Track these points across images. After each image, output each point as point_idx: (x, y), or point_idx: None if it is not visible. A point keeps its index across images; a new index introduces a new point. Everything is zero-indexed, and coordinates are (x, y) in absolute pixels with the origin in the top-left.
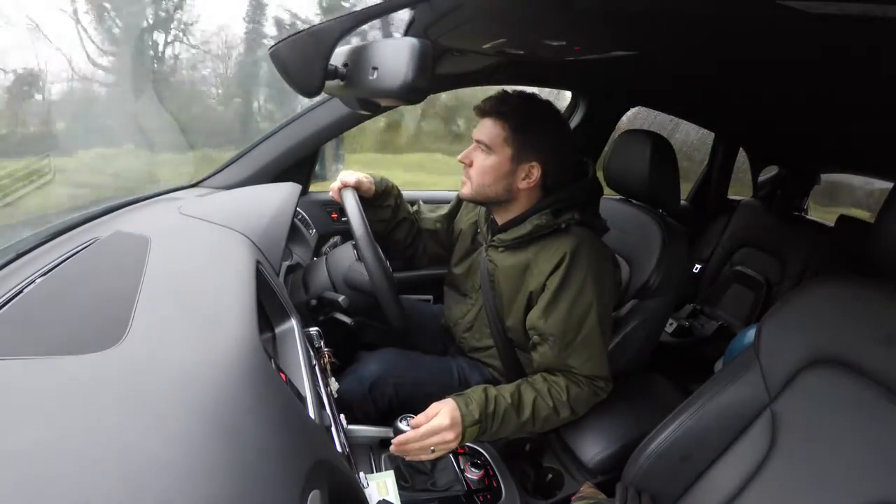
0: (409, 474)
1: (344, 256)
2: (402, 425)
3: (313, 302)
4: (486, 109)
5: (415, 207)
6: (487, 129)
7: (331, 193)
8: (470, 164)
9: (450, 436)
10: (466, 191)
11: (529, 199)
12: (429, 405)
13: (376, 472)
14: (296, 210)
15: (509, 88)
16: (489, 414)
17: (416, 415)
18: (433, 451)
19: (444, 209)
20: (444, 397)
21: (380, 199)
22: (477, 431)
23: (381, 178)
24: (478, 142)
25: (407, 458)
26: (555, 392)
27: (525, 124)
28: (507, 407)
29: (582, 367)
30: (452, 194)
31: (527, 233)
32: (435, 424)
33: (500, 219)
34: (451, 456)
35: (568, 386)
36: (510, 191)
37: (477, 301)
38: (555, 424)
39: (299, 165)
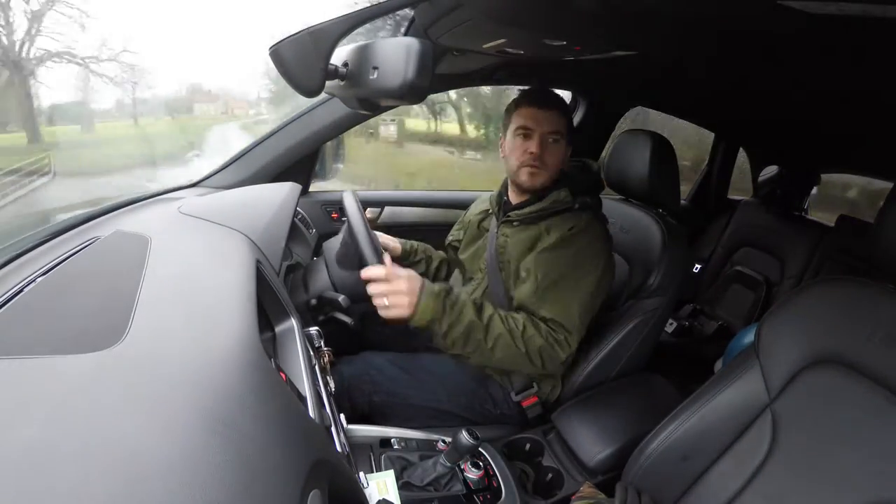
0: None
1: (335, 244)
2: (462, 435)
3: (313, 302)
4: (552, 103)
5: (450, 238)
6: (557, 120)
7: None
8: (544, 154)
9: (403, 287)
10: (542, 179)
11: (547, 180)
12: (412, 406)
13: (376, 472)
14: (296, 210)
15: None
16: (450, 301)
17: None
18: (386, 304)
19: (458, 223)
20: (428, 398)
21: (409, 257)
22: (431, 311)
23: (405, 241)
24: (551, 133)
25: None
26: (512, 322)
27: (565, 112)
28: (466, 301)
29: (547, 312)
30: (463, 194)
31: (545, 207)
32: (395, 276)
33: (517, 198)
34: None
35: (525, 324)
36: (559, 171)
37: (483, 281)
38: (508, 356)
39: (299, 165)
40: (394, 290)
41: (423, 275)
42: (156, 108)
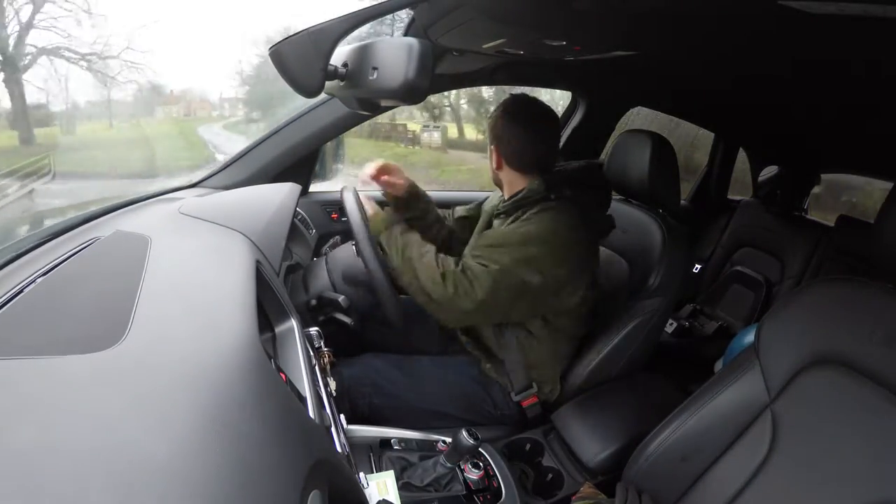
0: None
1: (343, 256)
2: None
3: (313, 302)
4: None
5: (449, 211)
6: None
7: (361, 180)
8: None
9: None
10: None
11: (511, 178)
12: (412, 407)
13: (376, 472)
14: (296, 210)
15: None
16: (398, 229)
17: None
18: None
19: (477, 203)
20: (428, 399)
21: (413, 202)
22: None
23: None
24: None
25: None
26: (443, 256)
27: (491, 119)
28: (413, 238)
29: (469, 259)
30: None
31: (521, 197)
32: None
33: (505, 196)
34: None
35: (450, 261)
36: (493, 171)
37: None
38: (421, 272)
39: (299, 165)
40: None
41: (415, 219)
42: (119, 111)
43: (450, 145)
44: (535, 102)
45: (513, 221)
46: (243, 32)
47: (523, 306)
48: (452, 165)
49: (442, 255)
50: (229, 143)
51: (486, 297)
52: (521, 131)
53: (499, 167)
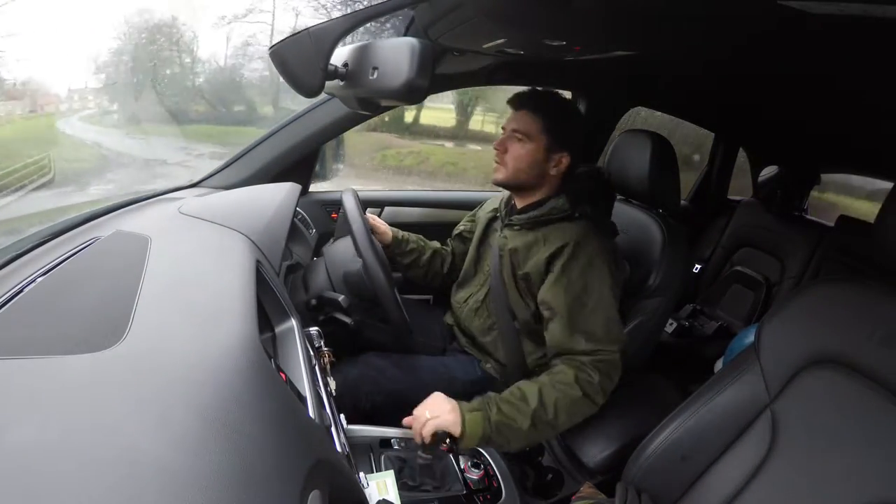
0: (415, 475)
1: (340, 250)
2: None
3: (313, 302)
4: (523, 103)
5: (461, 228)
6: (525, 120)
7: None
8: (504, 152)
9: (446, 406)
10: (501, 175)
11: (552, 187)
12: (412, 407)
13: (376, 472)
14: (296, 210)
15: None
16: (492, 403)
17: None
18: (430, 422)
19: (470, 214)
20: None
21: (401, 245)
22: (481, 419)
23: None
24: (514, 131)
25: (418, 441)
26: (559, 378)
27: (560, 117)
28: (508, 397)
29: (584, 344)
30: (481, 195)
31: (543, 214)
32: (430, 400)
33: (521, 202)
34: (450, 456)
35: (570, 370)
36: (542, 177)
37: (486, 282)
38: (574, 411)
39: (299, 165)
40: (430, 408)
41: (413, 263)
42: None
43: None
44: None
45: (534, 241)
46: (95, 14)
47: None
48: (393, 149)
49: (559, 380)
50: (106, 138)
51: (618, 338)
52: (579, 137)
53: (557, 174)
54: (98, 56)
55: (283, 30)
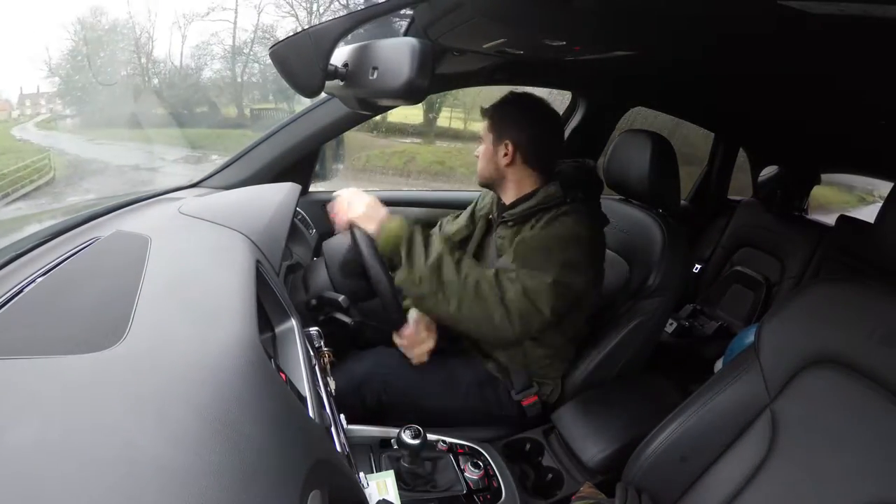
0: (410, 478)
1: (339, 247)
2: (404, 435)
3: (313, 302)
4: (484, 112)
5: (434, 230)
6: (486, 124)
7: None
8: (478, 156)
9: (367, 199)
10: (477, 178)
11: (522, 177)
12: (417, 405)
13: (376, 472)
14: (296, 210)
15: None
16: (417, 229)
17: (419, 427)
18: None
19: (466, 212)
20: (433, 398)
21: None
22: (397, 229)
23: None
24: (482, 136)
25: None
26: (484, 269)
27: (499, 112)
28: (434, 239)
29: (523, 278)
30: (465, 194)
31: (536, 203)
32: (367, 201)
33: (506, 198)
34: (450, 456)
35: (498, 273)
36: (498, 169)
37: None
38: (476, 300)
39: (299, 165)
40: (356, 200)
41: None
42: None
43: (382, 130)
44: (545, 101)
45: (530, 228)
46: (45, 15)
47: (575, 313)
48: (376, 149)
49: (486, 273)
50: (69, 145)
51: (551, 313)
52: (544, 130)
53: (510, 164)
54: (51, 59)
55: (246, 27)
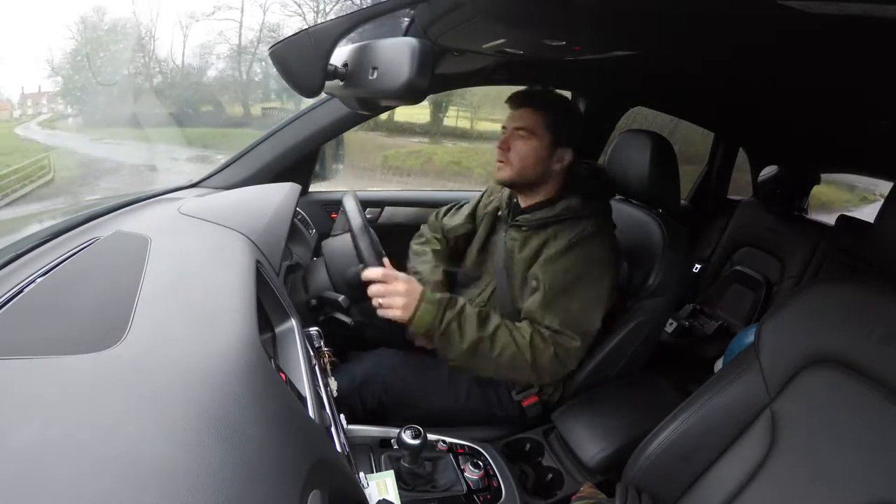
0: (410, 478)
1: (339, 247)
2: (405, 435)
3: (313, 302)
4: (524, 101)
5: (431, 218)
6: (527, 116)
7: None
8: (508, 150)
9: (401, 289)
10: (506, 174)
11: (555, 185)
12: (417, 406)
13: (376, 472)
14: (296, 210)
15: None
16: (452, 311)
17: (420, 427)
18: (381, 305)
19: (467, 209)
20: (433, 398)
21: None
22: (431, 316)
23: None
24: (518, 129)
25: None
26: (518, 335)
27: (562, 113)
28: (471, 313)
29: (552, 321)
30: (465, 194)
31: (556, 214)
32: (393, 277)
33: (526, 201)
34: (450, 456)
35: (532, 335)
36: (545, 173)
37: (491, 282)
38: (513, 366)
39: (299, 165)
40: (390, 290)
41: None
42: None
43: (389, 130)
44: None
45: (545, 240)
46: (48, 13)
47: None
48: (393, 149)
49: (518, 337)
50: (74, 143)
51: (585, 335)
52: (579, 134)
53: (562, 170)
54: (53, 58)
55: (252, 26)
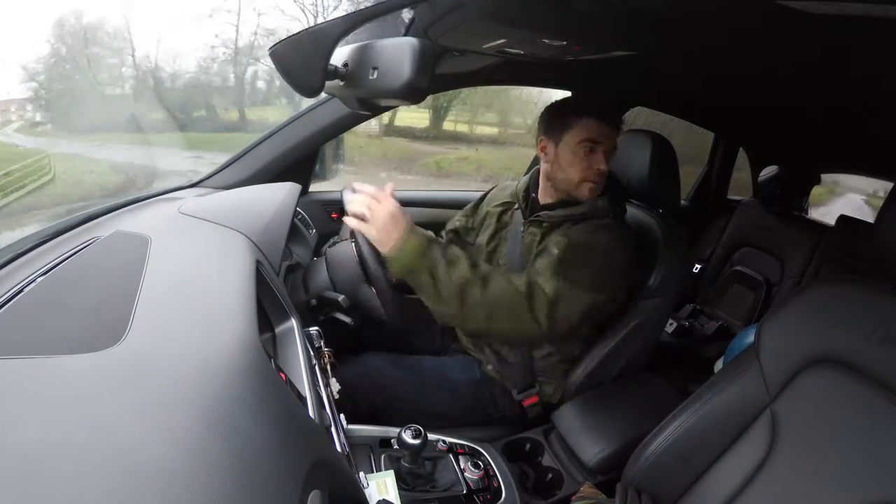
0: (410, 478)
1: (343, 254)
2: (405, 435)
3: (313, 302)
4: (617, 119)
5: (456, 224)
6: (616, 136)
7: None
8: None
9: (387, 213)
10: (599, 192)
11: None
12: (410, 408)
13: (376, 472)
14: (296, 210)
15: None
16: (437, 243)
17: (420, 427)
18: (360, 216)
19: (469, 206)
20: (426, 399)
21: None
22: (414, 246)
23: None
24: (613, 148)
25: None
26: (514, 279)
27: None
28: (459, 253)
29: (551, 290)
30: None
31: (582, 212)
32: (386, 197)
33: (547, 198)
34: (450, 456)
35: (530, 283)
36: (560, 170)
37: None
38: (506, 312)
39: (299, 165)
40: (377, 208)
41: None
42: None
43: (384, 132)
44: None
45: (563, 234)
46: (25, 16)
47: (586, 324)
48: (438, 155)
49: (514, 281)
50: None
51: (567, 323)
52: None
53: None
54: (28, 63)
55: (246, 32)
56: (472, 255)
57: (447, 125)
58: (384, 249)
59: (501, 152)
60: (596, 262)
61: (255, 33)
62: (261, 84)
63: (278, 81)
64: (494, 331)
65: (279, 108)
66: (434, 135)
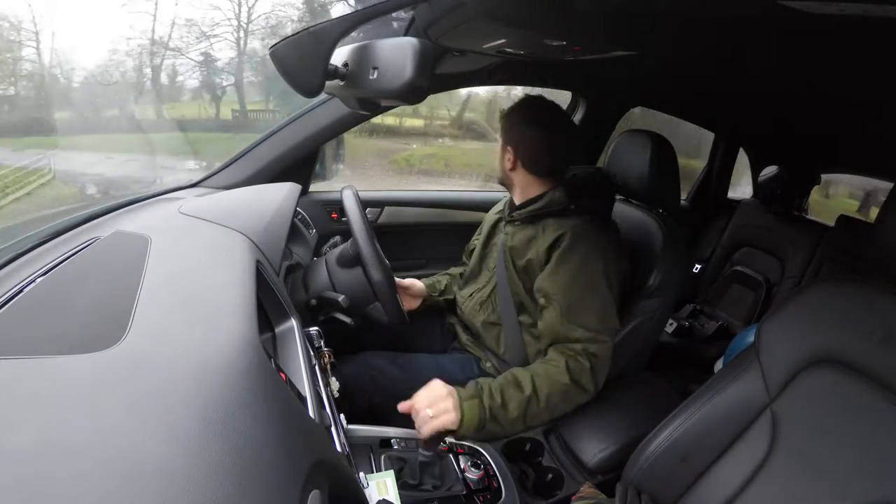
0: (416, 474)
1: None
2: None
3: (313, 302)
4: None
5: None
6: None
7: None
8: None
9: (445, 404)
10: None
11: (526, 181)
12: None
13: (376, 472)
14: (296, 210)
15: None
16: (486, 390)
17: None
18: (430, 415)
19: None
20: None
21: (436, 288)
22: (477, 407)
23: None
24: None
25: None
26: (552, 367)
27: (507, 117)
28: (502, 383)
29: (578, 332)
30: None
31: (541, 206)
32: (429, 393)
33: (516, 199)
34: (450, 456)
35: (563, 359)
36: (504, 171)
37: (492, 279)
38: (565, 399)
39: (299, 165)
40: (435, 398)
41: (447, 290)
42: None
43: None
44: (555, 106)
45: (534, 233)
46: None
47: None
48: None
49: (552, 371)
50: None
51: (611, 327)
52: (542, 136)
53: (513, 168)
54: None
55: (166, 21)
56: (507, 377)
57: (376, 119)
58: (454, 426)
59: (461, 146)
60: (592, 285)
61: (174, 23)
62: (181, 79)
63: (199, 75)
64: (559, 417)
65: (201, 105)
66: (370, 129)
